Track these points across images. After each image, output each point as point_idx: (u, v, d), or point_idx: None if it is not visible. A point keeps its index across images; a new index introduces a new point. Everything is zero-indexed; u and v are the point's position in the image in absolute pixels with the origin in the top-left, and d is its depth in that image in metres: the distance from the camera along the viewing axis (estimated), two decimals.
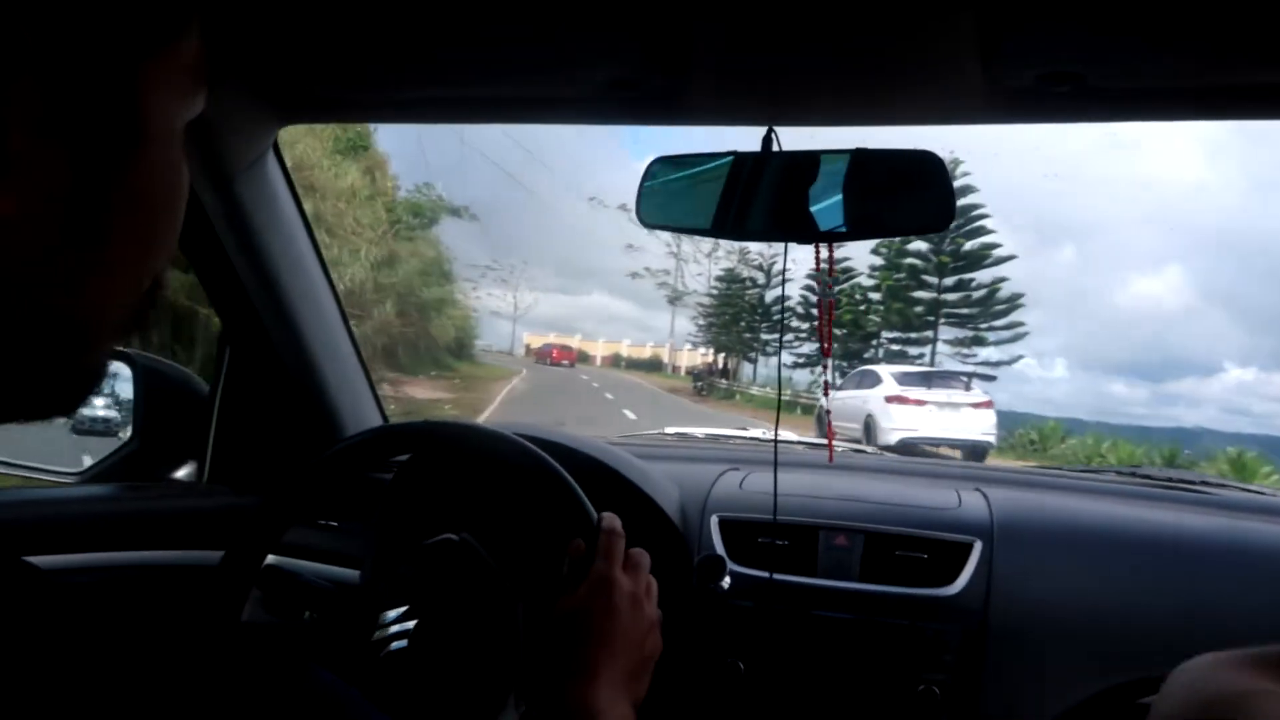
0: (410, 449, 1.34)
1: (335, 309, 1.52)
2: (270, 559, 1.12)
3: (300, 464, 1.12)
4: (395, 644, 1.00)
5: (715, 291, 47.18)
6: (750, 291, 44.11)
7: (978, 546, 1.25)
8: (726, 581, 1.25)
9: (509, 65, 1.08)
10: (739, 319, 43.88)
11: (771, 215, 1.10)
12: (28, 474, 1.52)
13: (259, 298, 1.40)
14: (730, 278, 45.54)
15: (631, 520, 1.29)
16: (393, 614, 1.02)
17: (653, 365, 57.81)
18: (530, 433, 1.21)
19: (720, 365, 43.69)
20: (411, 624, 1.02)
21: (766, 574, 1.25)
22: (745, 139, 1.14)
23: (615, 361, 60.90)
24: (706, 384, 35.42)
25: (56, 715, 0.31)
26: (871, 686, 1.21)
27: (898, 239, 26.61)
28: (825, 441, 1.89)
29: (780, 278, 37.98)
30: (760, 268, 43.23)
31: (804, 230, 1.09)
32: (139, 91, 0.39)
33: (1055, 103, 1.02)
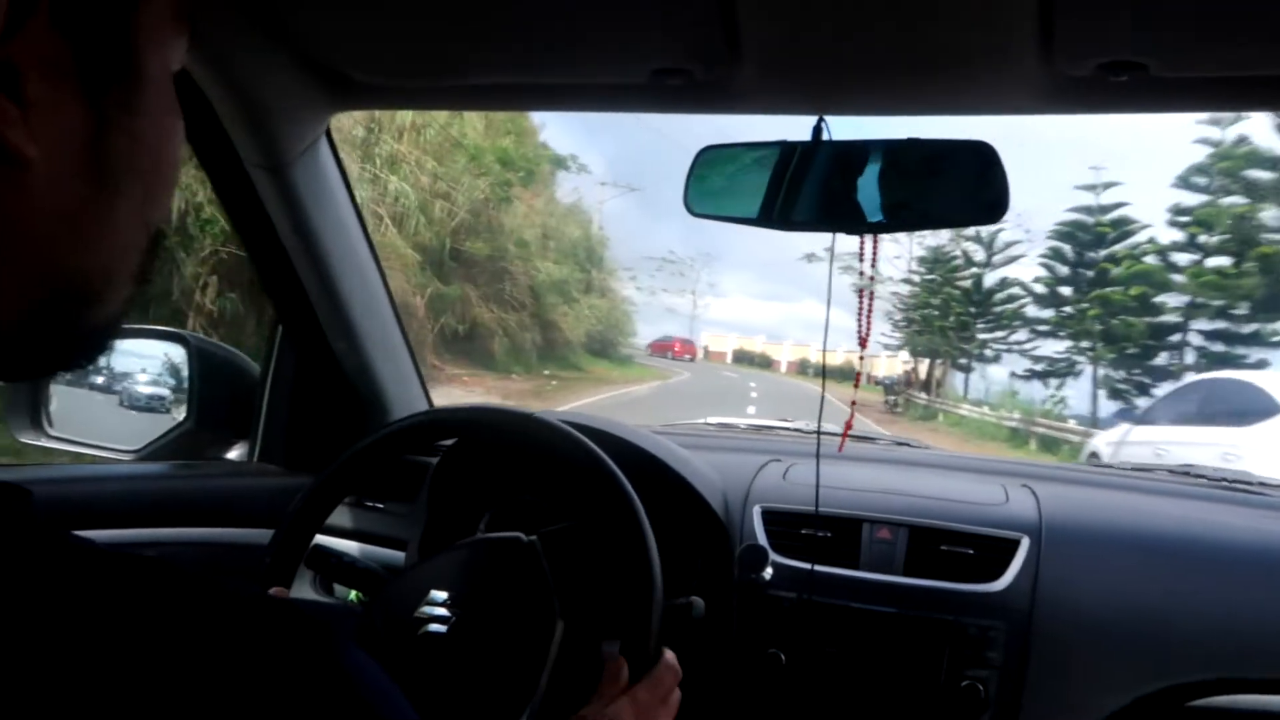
0: (458, 434, 1.35)
1: (384, 294, 1.54)
2: (318, 539, 1.13)
3: (348, 446, 1.14)
4: (434, 626, 1.01)
5: (916, 278, 34.60)
6: (963, 275, 32.05)
7: (1025, 543, 1.23)
8: (768, 572, 1.25)
9: (557, 52, 1.08)
10: (947, 311, 31.61)
11: (820, 205, 1.09)
12: (87, 451, 1.57)
13: (310, 282, 1.42)
14: (936, 257, 33.08)
15: (674, 509, 1.30)
16: (440, 596, 1.03)
17: (844, 374, 49.80)
18: (576, 419, 1.21)
19: (922, 374, 32.62)
20: (451, 611, 1.02)
21: (808, 566, 1.24)
22: (787, 127, 1.12)
23: (802, 368, 50.95)
24: (900, 398, 27.37)
25: (69, 681, 0.32)
26: (914, 682, 1.20)
27: None
28: (873, 435, 1.87)
29: (1001, 254, 29.31)
30: (979, 239, 30.72)
31: (853, 221, 1.08)
32: (136, 33, 0.40)
33: (1114, 92, 0.99)
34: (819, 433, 1.24)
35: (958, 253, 31.92)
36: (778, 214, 1.11)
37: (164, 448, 1.58)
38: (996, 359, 31.22)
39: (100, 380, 1.84)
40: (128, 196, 0.41)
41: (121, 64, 0.40)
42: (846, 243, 1.12)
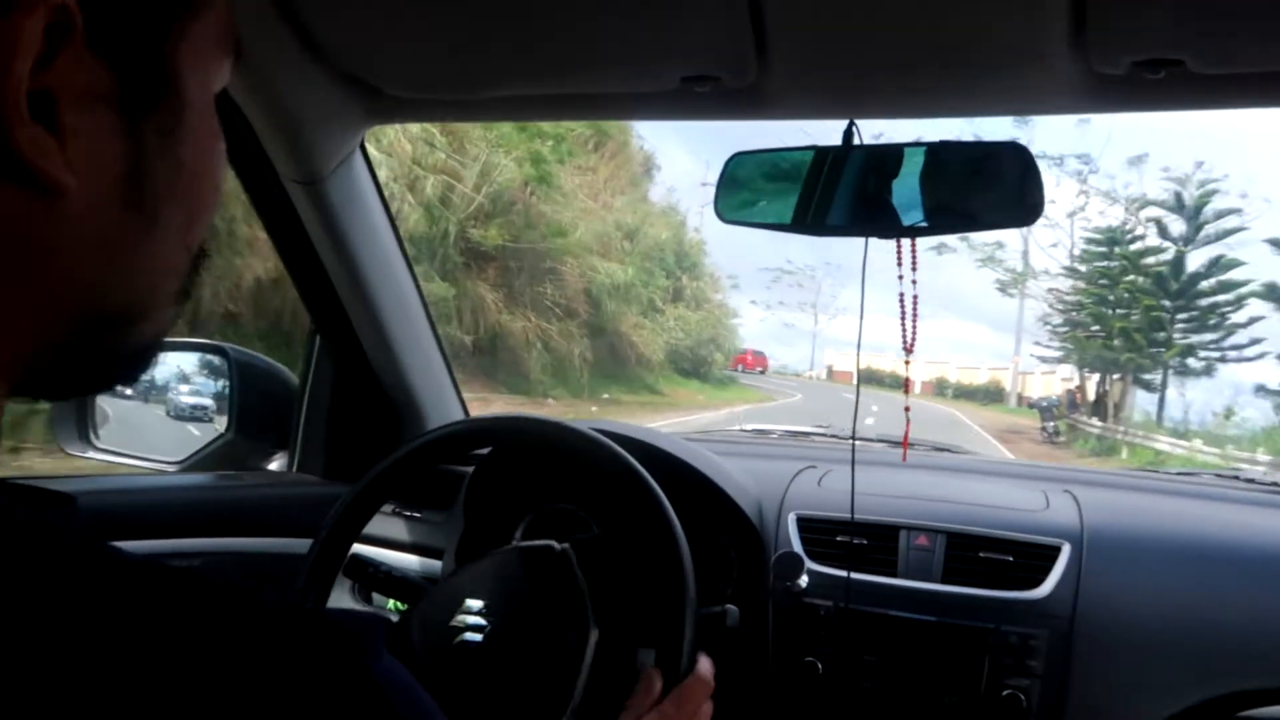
0: (492, 444, 1.36)
1: (420, 304, 1.56)
2: (356, 548, 1.15)
3: (385, 456, 1.16)
4: (470, 635, 1.02)
5: (1082, 268, 26.03)
6: (1152, 258, 23.58)
7: (1066, 549, 1.21)
8: (804, 580, 1.24)
9: (586, 62, 1.09)
10: (1130, 306, 23.17)
11: (854, 209, 1.09)
12: (133, 462, 1.60)
13: (347, 293, 1.44)
14: (1112, 237, 24.66)
15: (708, 517, 1.30)
16: (475, 605, 1.03)
17: (990, 395, 40.55)
18: (609, 428, 1.22)
19: (1090, 393, 24.69)
20: (487, 620, 1.03)
21: (845, 573, 1.23)
22: (819, 132, 1.10)
23: (939, 388, 44.23)
24: (1060, 423, 21.36)
25: (95, 690, 0.32)
26: (954, 691, 1.18)
27: None
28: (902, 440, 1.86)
29: (1213, 226, 21.16)
30: (1178, 206, 22.48)
31: (888, 225, 1.07)
32: (175, 58, 0.39)
33: (1151, 90, 0.97)
34: (854, 439, 1.23)
35: (1144, 228, 23.41)
36: (811, 219, 1.11)
37: (206, 458, 1.60)
38: (1207, 370, 22.35)
39: (145, 392, 1.88)
40: (168, 223, 0.41)
41: (160, 88, 0.39)
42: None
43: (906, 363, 1.16)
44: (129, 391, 1.80)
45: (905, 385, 1.21)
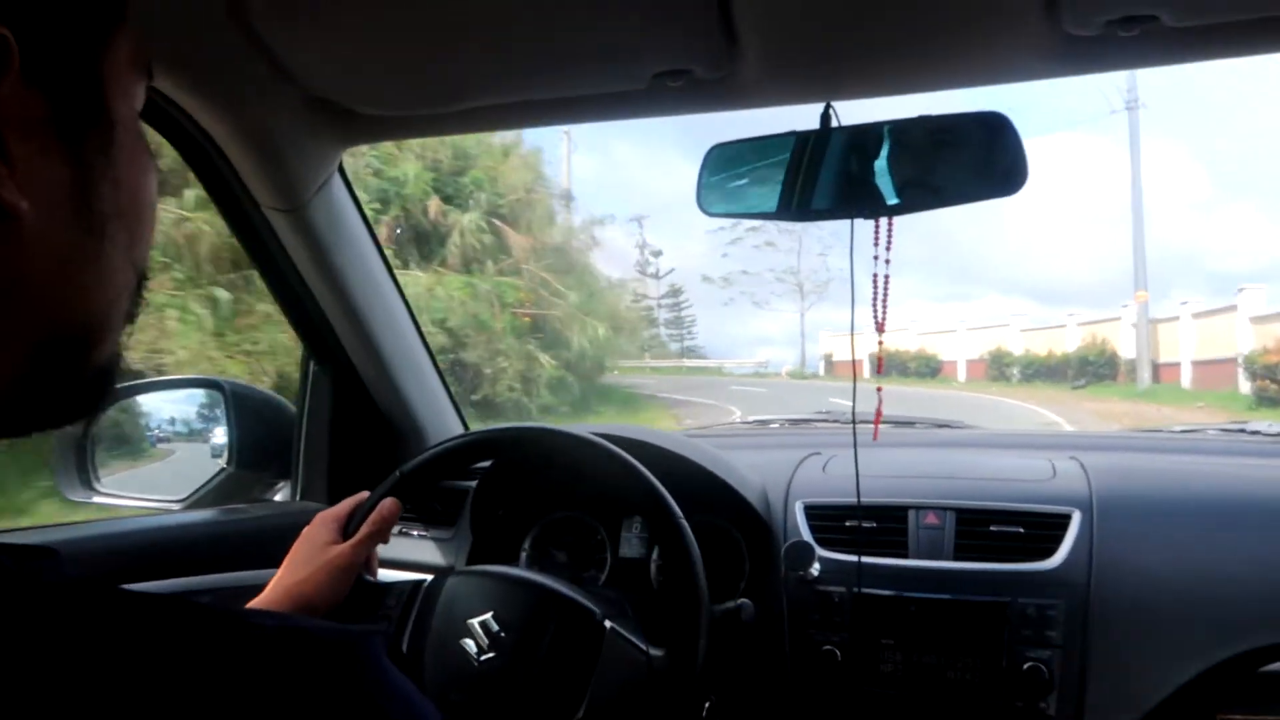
0: (492, 455, 1.36)
1: (410, 322, 1.55)
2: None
3: (385, 476, 1.15)
4: (472, 648, 1.00)
5: None
6: None
7: (1076, 517, 1.21)
8: (816, 568, 1.23)
9: (557, 67, 1.08)
10: None
11: (837, 191, 1.08)
12: (136, 504, 1.59)
13: (337, 318, 1.43)
14: None
15: (715, 512, 1.29)
16: (491, 622, 1.02)
17: (1099, 366, 22.77)
18: (608, 430, 1.21)
19: None
20: (495, 642, 1.01)
21: (856, 558, 1.22)
22: (797, 118, 1.10)
23: (996, 367, 26.61)
24: None
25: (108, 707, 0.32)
26: (975, 668, 1.17)
27: None
28: (910, 420, 1.85)
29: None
30: None
31: (872, 204, 1.06)
32: (104, 80, 0.41)
33: (1125, 48, 0.97)
34: (854, 422, 1.22)
35: None
36: (796, 205, 1.10)
37: (209, 494, 1.59)
38: None
39: (148, 433, 1.86)
40: (115, 240, 0.42)
41: (94, 111, 0.41)
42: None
43: (879, 342, 1.15)
44: (129, 437, 1.79)
45: (878, 364, 1.20)
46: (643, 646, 1.01)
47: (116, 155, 0.42)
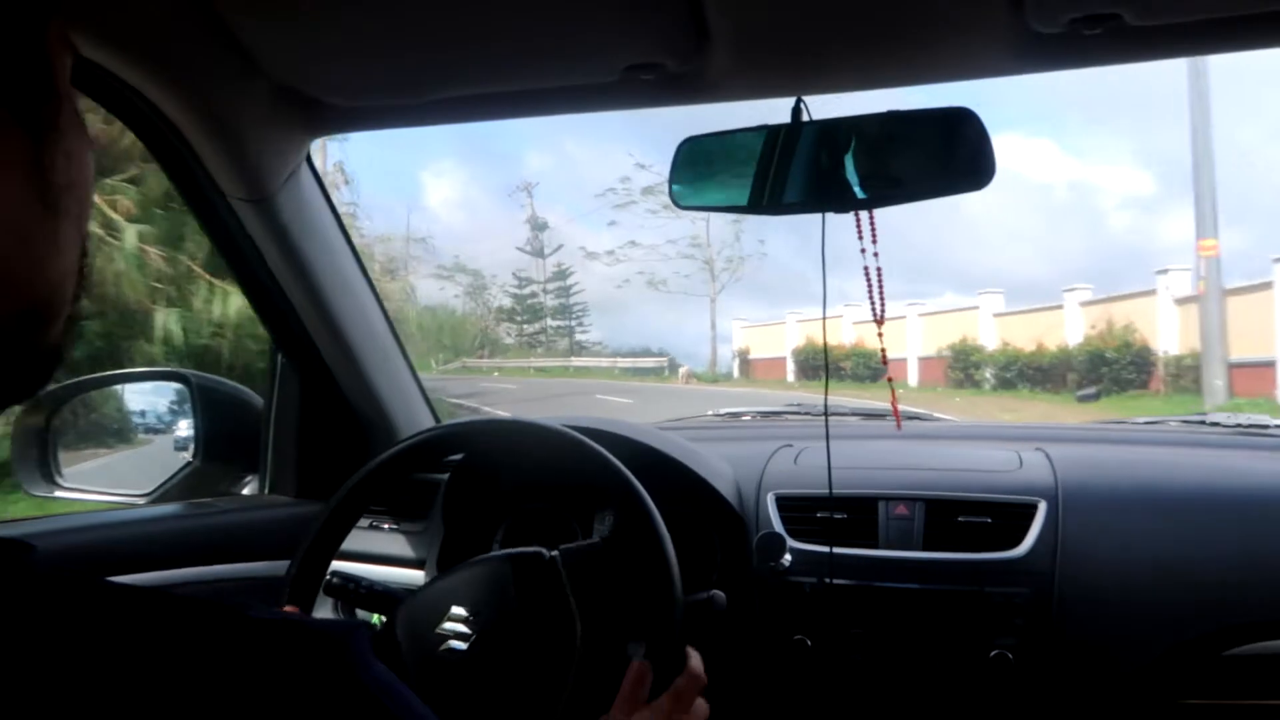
0: (462, 448, 1.35)
1: (381, 315, 1.54)
2: (336, 566, 1.13)
3: (356, 470, 1.14)
4: (454, 643, 1.01)
5: None
6: None
7: (1042, 507, 1.23)
8: (787, 559, 1.24)
9: (527, 59, 1.08)
10: None
11: (808, 186, 1.08)
12: (100, 498, 1.57)
13: (306, 310, 1.42)
14: None
15: (687, 504, 1.29)
16: (459, 612, 1.03)
17: (1119, 367, 14.54)
18: (582, 423, 1.21)
19: None
20: (471, 627, 1.02)
21: (827, 549, 1.24)
22: (767, 112, 1.11)
23: (961, 367, 19.27)
24: None
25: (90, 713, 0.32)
26: (942, 656, 1.19)
27: None
28: (882, 411, 1.87)
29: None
30: None
31: (843, 198, 1.07)
32: (51, 54, 0.41)
33: (1088, 46, 0.98)
34: (826, 414, 1.24)
35: None
36: (767, 199, 1.11)
37: (175, 488, 1.57)
38: None
39: (112, 426, 1.83)
40: (69, 212, 0.42)
41: (44, 87, 0.41)
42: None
43: (879, 335, 1.17)
44: (93, 428, 1.76)
45: (882, 356, 1.21)
46: (595, 540, 1.07)
47: (65, 128, 0.42)
